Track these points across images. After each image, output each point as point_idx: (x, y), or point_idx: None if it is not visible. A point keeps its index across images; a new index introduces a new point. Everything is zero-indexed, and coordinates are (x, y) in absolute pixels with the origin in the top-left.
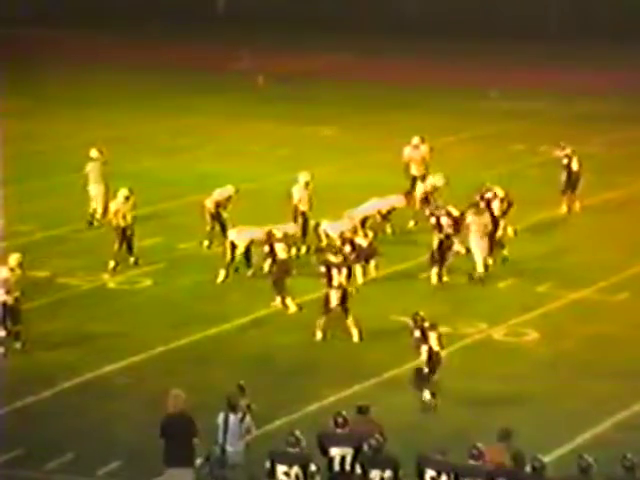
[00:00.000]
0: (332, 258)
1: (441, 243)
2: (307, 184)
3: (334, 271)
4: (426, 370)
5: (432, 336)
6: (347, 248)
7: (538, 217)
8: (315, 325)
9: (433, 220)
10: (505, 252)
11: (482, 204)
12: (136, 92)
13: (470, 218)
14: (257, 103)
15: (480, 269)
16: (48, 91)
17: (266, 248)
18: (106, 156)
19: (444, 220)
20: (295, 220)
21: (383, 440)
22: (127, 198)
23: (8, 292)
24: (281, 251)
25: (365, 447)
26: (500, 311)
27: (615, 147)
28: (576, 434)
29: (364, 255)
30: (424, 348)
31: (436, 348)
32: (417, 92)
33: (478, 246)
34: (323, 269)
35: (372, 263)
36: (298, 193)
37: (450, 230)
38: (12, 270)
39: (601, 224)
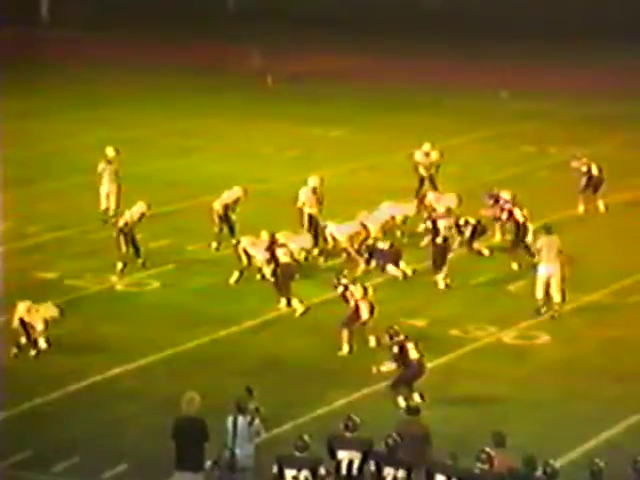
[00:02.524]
0: (359, 270)
1: (436, 245)
2: (315, 189)
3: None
4: (401, 380)
5: (411, 347)
6: (366, 255)
7: (549, 219)
8: (323, 330)
9: (429, 224)
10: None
11: (505, 215)
12: (145, 92)
13: (542, 240)
14: (267, 103)
15: (557, 299)
16: (57, 92)
17: (266, 254)
18: (121, 156)
19: (442, 223)
20: (301, 223)
21: (399, 440)
22: (143, 215)
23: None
24: (282, 255)
25: (383, 444)
26: (510, 314)
27: (627, 148)
28: (588, 438)
29: (390, 259)
30: (400, 362)
31: (416, 356)
32: (428, 93)
33: (548, 270)
34: (345, 281)
35: (402, 264)
36: (304, 196)
37: (448, 233)
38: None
39: (613, 226)
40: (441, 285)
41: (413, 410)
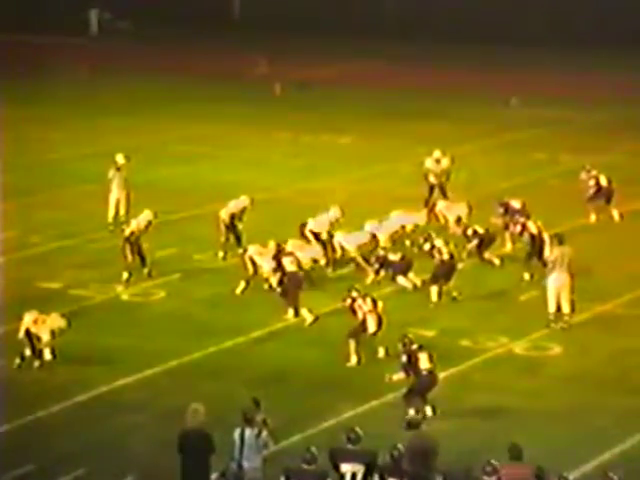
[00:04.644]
0: (367, 280)
1: (442, 263)
2: (336, 221)
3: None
4: (413, 390)
5: (422, 357)
6: (376, 265)
7: (560, 228)
8: (331, 340)
9: (427, 247)
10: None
11: (518, 228)
12: (151, 100)
13: (556, 252)
14: (274, 111)
15: (566, 309)
16: (61, 99)
17: (272, 263)
18: (130, 163)
19: (438, 242)
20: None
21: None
22: (149, 223)
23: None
24: (289, 264)
25: (387, 457)
26: (522, 325)
27: (639, 156)
28: (601, 450)
29: (400, 270)
30: (411, 372)
31: (428, 366)
32: (437, 100)
33: (559, 282)
34: (355, 294)
35: (411, 275)
36: (322, 225)
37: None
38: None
39: (625, 235)
40: (434, 298)
41: (413, 425)
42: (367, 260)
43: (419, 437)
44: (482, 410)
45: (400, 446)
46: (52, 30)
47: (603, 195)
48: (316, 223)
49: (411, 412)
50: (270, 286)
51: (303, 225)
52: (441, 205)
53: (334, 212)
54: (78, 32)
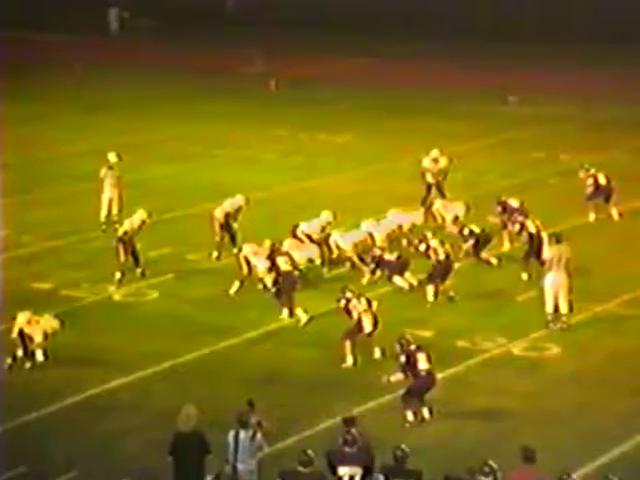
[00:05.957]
0: (363, 280)
1: (438, 263)
2: (327, 224)
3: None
4: (411, 391)
5: (421, 357)
6: (372, 265)
7: (559, 227)
8: (327, 341)
9: (423, 247)
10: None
11: (517, 227)
12: (144, 98)
13: (553, 251)
14: (270, 109)
15: (564, 309)
16: (55, 97)
17: (266, 263)
18: (124, 161)
19: (434, 243)
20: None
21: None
22: (143, 223)
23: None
24: (283, 264)
25: (391, 458)
26: (520, 325)
27: (638, 154)
28: (600, 452)
29: (397, 270)
30: (409, 373)
31: (427, 366)
32: (435, 98)
33: (556, 281)
34: (350, 294)
35: (407, 275)
36: (313, 228)
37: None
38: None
39: (626, 234)
40: (430, 298)
41: (348, 421)
42: (363, 260)
43: (357, 434)
44: (480, 411)
45: (404, 446)
46: (68, 29)
47: (602, 194)
48: (307, 226)
49: (409, 414)
50: (265, 286)
51: (295, 227)
52: (438, 204)
53: (325, 216)
54: (98, 31)
